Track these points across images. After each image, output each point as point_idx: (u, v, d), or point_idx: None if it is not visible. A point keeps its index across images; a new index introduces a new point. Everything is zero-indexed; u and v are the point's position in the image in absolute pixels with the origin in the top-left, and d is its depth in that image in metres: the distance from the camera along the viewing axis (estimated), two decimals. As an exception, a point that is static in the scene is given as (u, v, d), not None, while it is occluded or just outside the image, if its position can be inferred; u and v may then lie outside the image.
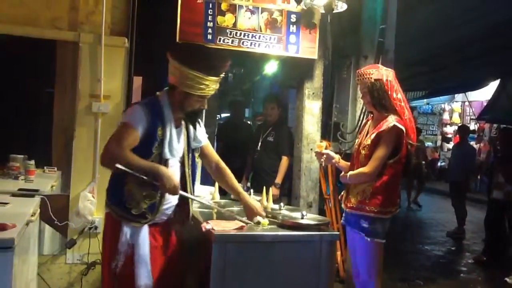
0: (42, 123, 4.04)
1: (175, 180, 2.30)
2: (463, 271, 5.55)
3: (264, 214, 2.60)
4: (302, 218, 2.58)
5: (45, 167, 3.64)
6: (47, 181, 3.41)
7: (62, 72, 3.63)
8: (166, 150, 2.38)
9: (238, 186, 2.73)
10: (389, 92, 2.84)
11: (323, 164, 3.16)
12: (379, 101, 2.85)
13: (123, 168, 2.20)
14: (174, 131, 2.42)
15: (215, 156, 2.75)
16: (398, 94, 2.86)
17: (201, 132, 2.62)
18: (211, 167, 2.75)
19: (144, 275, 2.34)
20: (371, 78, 2.87)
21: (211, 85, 2.35)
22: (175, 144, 2.43)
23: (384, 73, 2.87)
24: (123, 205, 2.34)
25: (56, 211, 3.36)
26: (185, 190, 2.47)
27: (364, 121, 3.38)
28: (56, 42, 3.58)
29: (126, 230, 2.35)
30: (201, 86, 2.32)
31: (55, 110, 3.66)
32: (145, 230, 2.38)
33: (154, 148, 2.35)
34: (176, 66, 2.34)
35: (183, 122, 2.51)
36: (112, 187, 2.44)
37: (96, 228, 3.54)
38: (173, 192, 2.31)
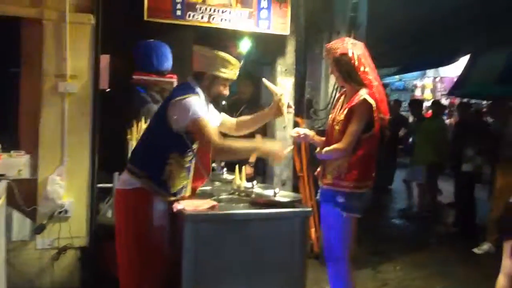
0: (8, 105, 3.89)
1: (277, 146, 2.54)
2: (435, 243, 5.72)
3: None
4: (274, 195, 2.57)
5: (12, 151, 3.52)
6: (14, 165, 3.33)
7: (28, 52, 3.49)
8: None
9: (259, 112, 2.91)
10: (356, 65, 2.81)
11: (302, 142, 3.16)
12: (347, 74, 2.84)
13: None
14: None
15: (232, 119, 2.91)
16: (366, 68, 2.83)
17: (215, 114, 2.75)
18: (235, 128, 2.88)
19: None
20: (336, 52, 2.85)
21: (234, 69, 2.56)
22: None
23: (349, 47, 2.84)
24: (162, 182, 2.46)
25: (24, 196, 3.29)
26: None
27: (337, 96, 3.36)
28: (20, 20, 3.43)
29: (159, 204, 2.47)
30: (227, 69, 2.52)
31: (21, 91, 3.53)
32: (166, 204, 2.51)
33: None
34: (205, 52, 2.52)
35: None
36: (151, 162, 2.49)
37: (66, 212, 3.46)
38: (283, 157, 2.54)
